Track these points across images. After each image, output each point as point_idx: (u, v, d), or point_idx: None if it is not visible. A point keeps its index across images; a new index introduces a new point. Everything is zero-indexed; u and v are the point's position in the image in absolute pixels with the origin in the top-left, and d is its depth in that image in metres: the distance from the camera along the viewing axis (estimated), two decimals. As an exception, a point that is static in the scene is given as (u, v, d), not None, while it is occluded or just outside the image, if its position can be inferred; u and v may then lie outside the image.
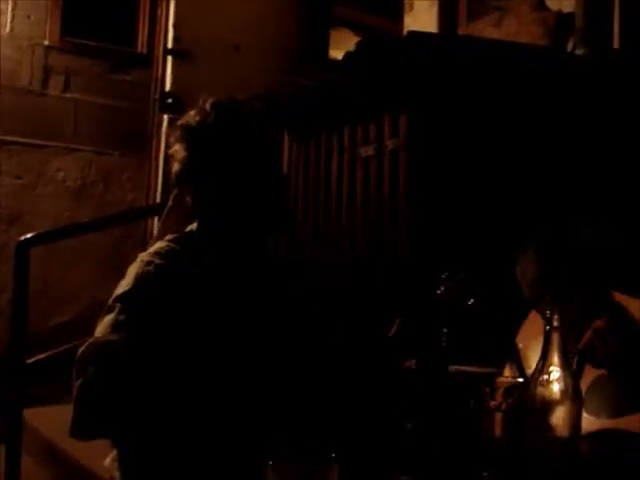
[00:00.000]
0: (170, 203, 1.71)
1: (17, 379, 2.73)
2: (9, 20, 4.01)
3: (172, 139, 1.50)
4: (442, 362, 1.38)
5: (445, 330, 1.39)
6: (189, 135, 1.47)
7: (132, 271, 1.42)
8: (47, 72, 4.13)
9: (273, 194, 1.50)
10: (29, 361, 2.78)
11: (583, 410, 1.35)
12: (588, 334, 1.46)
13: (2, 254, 3.86)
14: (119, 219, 4.00)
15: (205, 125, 1.47)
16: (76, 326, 3.73)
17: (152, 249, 1.48)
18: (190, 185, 1.49)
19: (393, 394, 1.44)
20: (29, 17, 4.07)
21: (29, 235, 2.86)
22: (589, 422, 1.38)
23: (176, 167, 1.48)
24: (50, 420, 2.82)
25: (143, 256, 1.45)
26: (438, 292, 1.42)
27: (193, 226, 1.53)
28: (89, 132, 4.23)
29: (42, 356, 2.86)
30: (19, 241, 2.78)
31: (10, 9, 4.01)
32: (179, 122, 1.51)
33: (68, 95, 4.19)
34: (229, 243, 1.49)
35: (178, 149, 1.48)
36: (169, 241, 1.49)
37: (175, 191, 1.61)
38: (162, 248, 1.46)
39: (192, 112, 1.50)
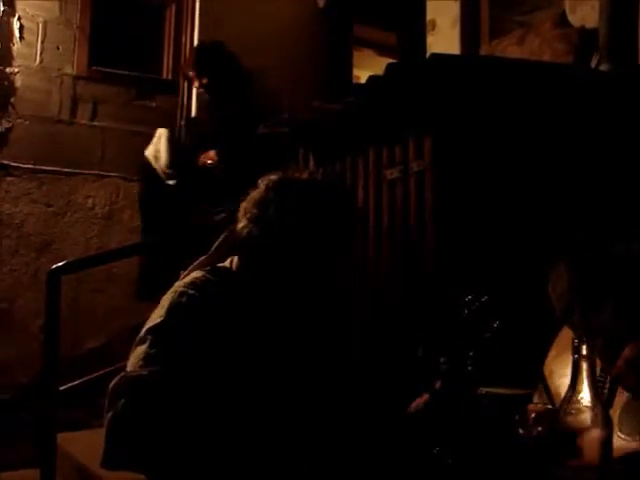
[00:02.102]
0: (222, 237, 1.70)
1: (50, 405, 2.76)
2: (38, 52, 4.11)
3: (253, 195, 1.50)
4: (468, 386, 1.37)
5: (471, 353, 1.38)
6: (266, 198, 1.48)
7: (165, 302, 1.42)
8: (75, 101, 4.22)
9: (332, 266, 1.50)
10: (62, 388, 2.81)
11: (618, 431, 1.34)
12: (619, 362, 1.45)
13: (34, 281, 3.92)
14: (148, 246, 4.03)
15: (285, 195, 1.48)
16: (107, 351, 3.77)
17: (188, 279, 1.48)
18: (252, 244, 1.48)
19: (419, 417, 1.43)
20: (58, 48, 4.17)
21: (60, 264, 2.90)
22: (624, 443, 1.36)
23: (244, 224, 1.48)
24: (83, 445, 2.85)
25: (178, 286, 1.45)
26: (463, 315, 1.41)
27: (234, 258, 1.53)
28: (117, 159, 4.30)
29: (74, 383, 2.89)
30: (51, 269, 2.82)
31: (40, 42, 4.11)
32: (265, 182, 1.52)
33: (96, 123, 4.27)
34: (270, 285, 1.48)
35: (252, 208, 1.48)
36: (206, 271, 1.49)
37: (227, 232, 1.61)
38: (197, 278, 1.46)
39: (276, 174, 1.52)
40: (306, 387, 1.41)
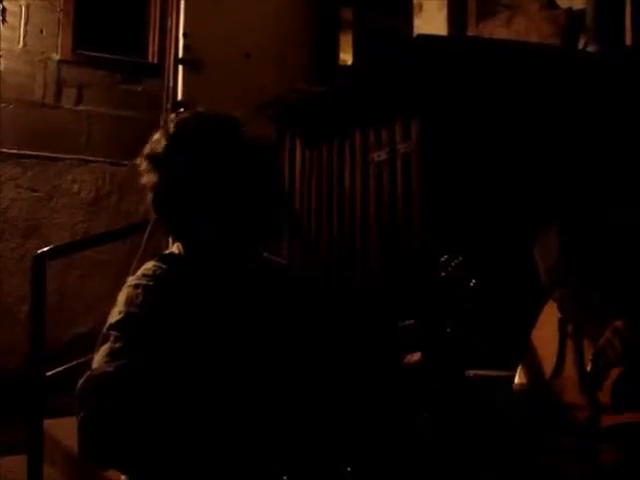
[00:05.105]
0: (149, 228, 1.67)
1: (37, 391, 2.74)
2: (22, 36, 4.05)
3: (141, 169, 1.45)
4: (449, 351, 1.34)
5: (450, 318, 1.35)
6: (156, 163, 1.43)
7: (122, 297, 1.39)
8: (60, 85, 4.17)
9: (251, 208, 1.43)
10: (48, 374, 2.80)
11: (609, 405, 1.35)
12: (607, 333, 1.45)
13: (19, 267, 3.89)
14: (134, 230, 4.01)
15: (170, 149, 1.42)
16: (94, 337, 3.75)
17: (140, 271, 1.45)
18: (165, 214, 1.44)
19: (404, 389, 1.42)
20: (42, 32, 4.12)
21: (46, 249, 2.88)
22: (615, 416, 1.37)
23: (150, 197, 1.43)
24: (70, 430, 2.83)
25: (131, 280, 1.42)
26: (441, 276, 1.38)
27: (177, 245, 1.50)
28: (102, 143, 4.26)
29: (60, 369, 2.87)
30: (36, 255, 2.80)
31: (23, 25, 4.06)
32: (145, 152, 1.46)
33: (81, 107, 4.23)
34: (214, 259, 1.46)
35: (149, 179, 1.43)
36: (156, 261, 1.46)
37: (154, 217, 1.56)
38: (149, 269, 1.44)
39: (156, 136, 1.46)
40: (276, 370, 1.39)
